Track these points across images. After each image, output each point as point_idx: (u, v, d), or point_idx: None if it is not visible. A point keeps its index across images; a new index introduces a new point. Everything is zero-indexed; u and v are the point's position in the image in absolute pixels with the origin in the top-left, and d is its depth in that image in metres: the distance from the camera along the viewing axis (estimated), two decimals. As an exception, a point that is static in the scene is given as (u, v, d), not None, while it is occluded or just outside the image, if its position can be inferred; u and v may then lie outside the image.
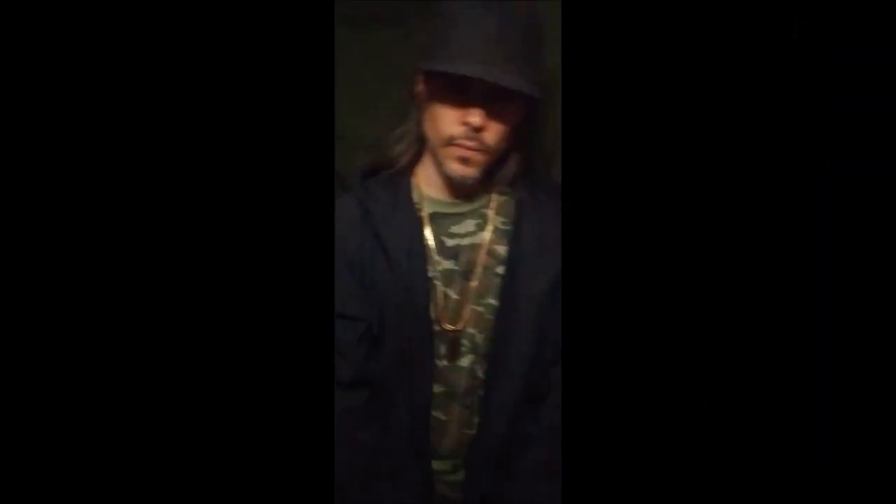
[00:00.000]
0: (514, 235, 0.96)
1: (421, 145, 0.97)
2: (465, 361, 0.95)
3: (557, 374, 0.95)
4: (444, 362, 0.95)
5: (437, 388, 0.95)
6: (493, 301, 0.95)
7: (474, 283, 0.95)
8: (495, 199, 0.97)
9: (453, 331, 0.95)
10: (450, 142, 0.90)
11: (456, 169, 0.91)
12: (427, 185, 0.98)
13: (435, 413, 0.95)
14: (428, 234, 0.96)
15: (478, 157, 0.91)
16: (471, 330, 0.95)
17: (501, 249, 0.96)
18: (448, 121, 0.89)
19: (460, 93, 0.88)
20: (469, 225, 0.97)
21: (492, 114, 0.88)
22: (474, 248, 0.96)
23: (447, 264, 0.96)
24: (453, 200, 0.97)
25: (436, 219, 0.97)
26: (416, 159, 0.98)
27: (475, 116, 0.87)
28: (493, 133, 0.89)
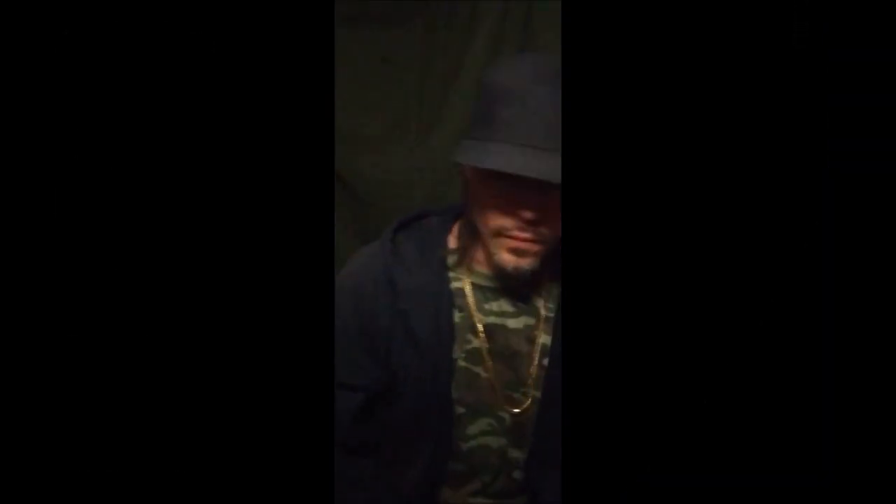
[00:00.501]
0: (556, 320, 0.87)
1: (471, 232, 0.86)
2: (493, 442, 0.88)
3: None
4: (471, 443, 0.88)
5: (457, 467, 0.89)
6: (536, 394, 0.87)
7: (521, 371, 0.87)
8: (547, 287, 0.88)
9: (519, 413, 0.87)
10: (500, 233, 0.81)
11: (508, 260, 0.82)
12: (476, 261, 0.88)
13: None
14: (464, 307, 0.87)
15: (534, 248, 0.82)
16: (503, 414, 0.88)
17: (544, 338, 0.88)
18: (497, 211, 0.80)
19: (511, 182, 0.77)
20: (509, 304, 0.88)
21: (550, 203, 0.77)
22: (512, 332, 0.88)
23: (475, 343, 0.87)
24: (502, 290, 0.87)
25: (476, 291, 0.88)
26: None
27: (528, 211, 0.78)
28: (553, 223, 0.80)
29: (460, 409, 0.88)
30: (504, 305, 0.89)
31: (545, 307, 0.89)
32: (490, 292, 0.89)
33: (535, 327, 0.89)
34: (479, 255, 0.88)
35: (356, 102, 1.39)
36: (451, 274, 0.88)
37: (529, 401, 0.88)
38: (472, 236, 0.87)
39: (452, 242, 0.90)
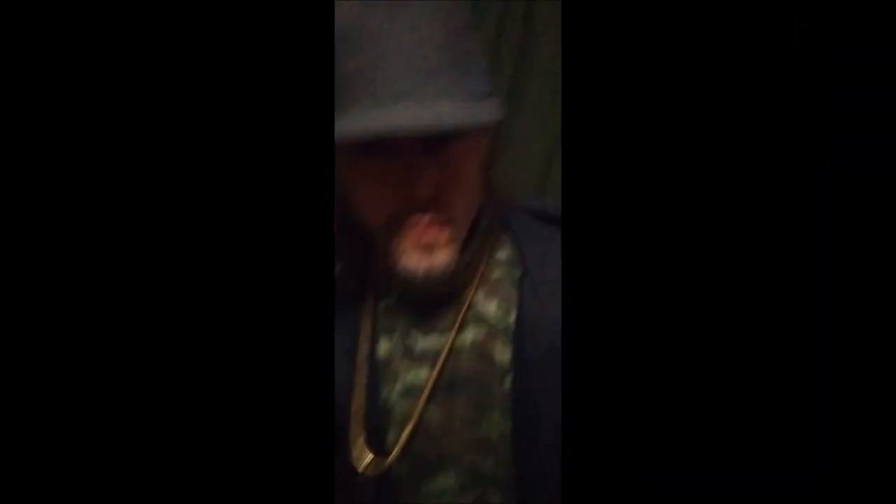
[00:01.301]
0: (516, 333, 0.65)
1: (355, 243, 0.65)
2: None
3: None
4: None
5: None
6: (504, 425, 0.65)
7: (472, 402, 0.65)
8: (483, 278, 0.66)
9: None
10: (394, 225, 0.61)
11: (415, 263, 0.61)
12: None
13: None
14: (384, 340, 0.66)
15: (444, 235, 0.62)
16: (479, 459, 0.66)
17: (503, 354, 0.66)
18: (383, 199, 0.61)
19: (390, 150, 0.60)
20: (450, 317, 0.66)
21: (448, 170, 0.61)
22: (455, 353, 0.66)
23: (417, 374, 0.66)
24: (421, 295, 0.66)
25: (395, 313, 0.66)
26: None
27: (423, 186, 0.59)
28: (458, 193, 0.62)
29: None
30: (443, 322, 0.68)
31: (493, 310, 0.67)
32: (419, 309, 0.68)
33: (487, 341, 0.67)
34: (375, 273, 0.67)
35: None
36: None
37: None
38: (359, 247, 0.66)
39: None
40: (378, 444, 0.67)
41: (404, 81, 0.59)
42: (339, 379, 0.66)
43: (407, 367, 0.66)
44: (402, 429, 0.65)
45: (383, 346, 0.67)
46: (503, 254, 0.68)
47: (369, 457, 0.64)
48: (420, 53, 0.60)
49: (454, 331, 0.66)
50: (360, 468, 0.64)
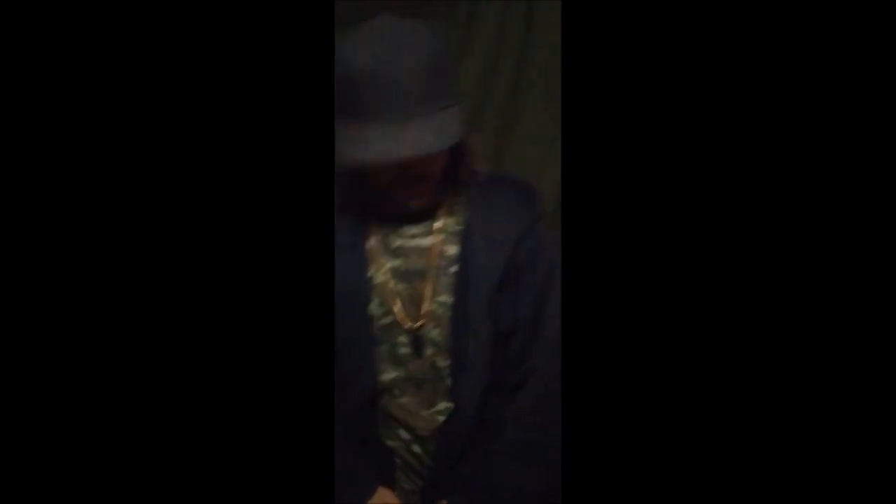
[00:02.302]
0: (463, 235, 0.97)
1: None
2: (427, 353, 0.97)
3: (534, 363, 0.98)
4: (405, 351, 0.97)
5: (398, 374, 0.97)
6: (447, 299, 0.96)
7: (428, 283, 0.96)
8: (447, 205, 0.98)
9: (415, 328, 0.96)
10: (396, 186, 0.89)
11: (410, 202, 0.91)
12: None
13: (401, 399, 0.97)
14: (374, 237, 0.97)
15: (426, 186, 0.90)
16: (430, 327, 0.96)
17: (452, 250, 0.97)
18: (381, 179, 0.88)
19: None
20: (419, 228, 0.98)
21: (419, 165, 0.86)
22: (423, 249, 0.97)
23: (395, 263, 0.97)
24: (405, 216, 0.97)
25: (384, 222, 0.97)
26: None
27: (413, 167, 0.85)
28: (436, 162, 0.88)
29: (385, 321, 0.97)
30: (415, 229, 0.97)
31: (451, 223, 0.97)
32: (399, 219, 0.97)
33: (445, 242, 0.97)
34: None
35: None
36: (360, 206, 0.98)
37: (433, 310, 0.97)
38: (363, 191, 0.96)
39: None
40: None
41: (402, 105, 0.82)
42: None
43: (387, 258, 0.97)
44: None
45: (373, 241, 0.98)
46: (462, 197, 1.00)
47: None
48: (408, 78, 0.82)
49: (422, 235, 0.98)
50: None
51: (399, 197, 0.92)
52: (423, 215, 0.97)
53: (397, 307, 0.96)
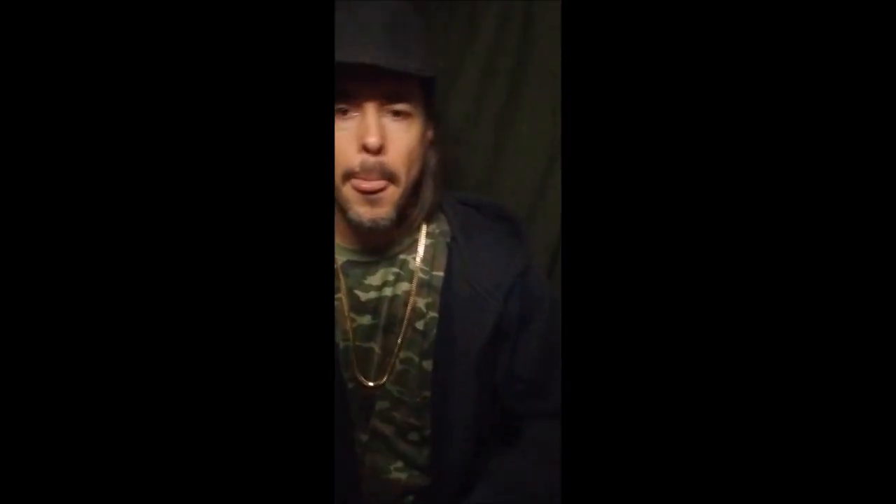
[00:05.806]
0: (444, 284, 0.88)
1: None
2: (380, 407, 0.91)
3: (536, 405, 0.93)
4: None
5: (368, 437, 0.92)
6: (414, 357, 0.90)
7: (397, 339, 0.89)
8: (421, 244, 0.89)
9: (371, 387, 0.90)
10: (349, 177, 0.80)
11: (363, 213, 0.81)
12: (337, 232, 0.88)
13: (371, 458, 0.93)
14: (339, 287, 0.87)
15: (386, 192, 0.81)
16: (391, 386, 0.90)
17: (421, 303, 0.89)
18: (342, 148, 0.79)
19: (349, 100, 0.78)
20: (387, 274, 0.89)
21: (389, 131, 0.79)
22: (394, 300, 0.89)
23: (363, 320, 0.89)
24: (366, 250, 0.88)
25: (347, 269, 0.88)
26: None
27: (371, 136, 0.77)
28: (395, 155, 0.80)
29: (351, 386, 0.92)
30: (384, 276, 0.89)
31: (421, 270, 0.89)
32: (364, 266, 0.89)
33: (416, 293, 0.89)
34: (340, 225, 0.87)
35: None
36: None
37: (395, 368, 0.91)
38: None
39: None
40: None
41: (377, 34, 0.78)
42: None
43: (356, 314, 0.89)
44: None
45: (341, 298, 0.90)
46: (436, 227, 0.91)
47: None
48: (389, 21, 0.80)
49: (390, 286, 0.89)
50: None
51: (359, 197, 0.81)
52: (382, 252, 0.87)
53: (356, 368, 0.89)
